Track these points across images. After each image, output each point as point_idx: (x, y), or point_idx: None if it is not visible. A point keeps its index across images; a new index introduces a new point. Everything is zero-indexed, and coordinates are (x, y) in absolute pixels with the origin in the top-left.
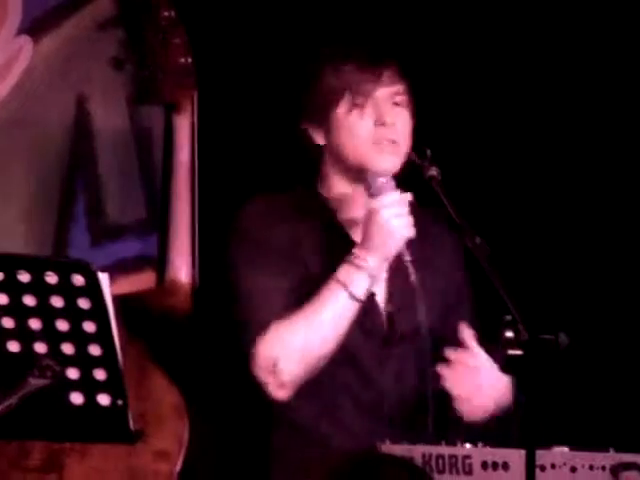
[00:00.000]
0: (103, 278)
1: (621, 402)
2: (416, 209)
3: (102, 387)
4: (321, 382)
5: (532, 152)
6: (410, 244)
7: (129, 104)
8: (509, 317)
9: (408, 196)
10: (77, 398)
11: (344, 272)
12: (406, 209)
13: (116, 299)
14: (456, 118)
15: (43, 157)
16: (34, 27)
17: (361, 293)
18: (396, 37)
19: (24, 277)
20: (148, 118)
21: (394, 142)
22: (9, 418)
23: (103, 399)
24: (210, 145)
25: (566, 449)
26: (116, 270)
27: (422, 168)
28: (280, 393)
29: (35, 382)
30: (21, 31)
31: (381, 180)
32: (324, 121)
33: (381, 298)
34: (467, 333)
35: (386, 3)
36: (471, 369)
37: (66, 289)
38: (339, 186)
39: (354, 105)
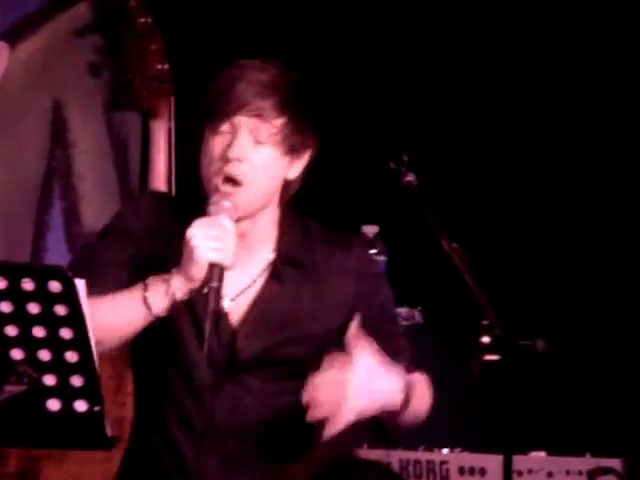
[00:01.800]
0: (80, 285)
1: (598, 407)
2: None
3: (79, 394)
4: (155, 398)
5: (510, 158)
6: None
7: (106, 110)
8: (486, 322)
9: (228, 224)
10: (54, 405)
11: (154, 278)
12: (222, 234)
13: None
14: (433, 124)
15: (20, 163)
16: (11, 33)
17: (154, 304)
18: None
19: (1, 283)
20: (125, 124)
21: (235, 181)
22: None
23: (80, 406)
24: (187, 151)
25: (543, 454)
26: None
27: (399, 174)
28: None
29: (11, 389)
30: None
31: (223, 203)
32: (200, 137)
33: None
34: (354, 331)
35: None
36: (336, 384)
37: (43, 296)
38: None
39: (213, 128)
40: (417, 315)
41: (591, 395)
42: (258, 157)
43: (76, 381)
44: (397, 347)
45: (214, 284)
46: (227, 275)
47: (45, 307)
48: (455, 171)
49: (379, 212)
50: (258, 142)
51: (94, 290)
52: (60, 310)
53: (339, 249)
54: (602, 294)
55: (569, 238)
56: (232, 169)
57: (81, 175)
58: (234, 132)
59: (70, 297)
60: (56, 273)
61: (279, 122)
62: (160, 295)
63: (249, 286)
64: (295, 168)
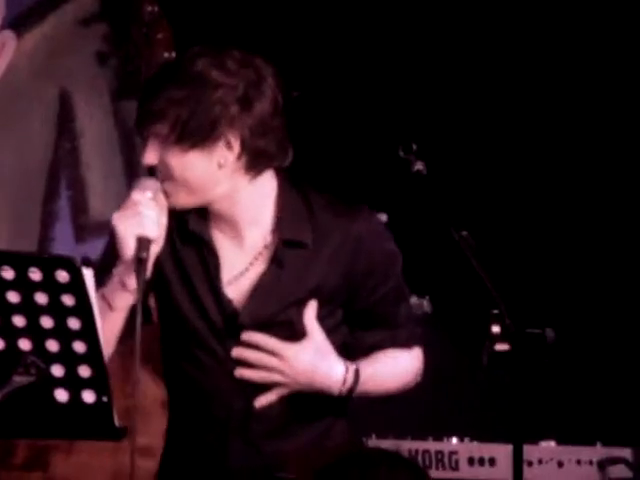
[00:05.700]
0: (87, 274)
1: (607, 397)
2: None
3: (87, 384)
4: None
5: (518, 145)
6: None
7: (113, 99)
8: (496, 311)
9: (140, 196)
10: (62, 395)
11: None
12: (138, 208)
13: None
14: (443, 113)
15: (27, 153)
16: (17, 22)
17: (113, 299)
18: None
19: (8, 274)
20: (132, 113)
21: (165, 181)
22: None
23: (88, 396)
24: None
25: (553, 444)
26: None
27: (408, 162)
28: None
29: (19, 379)
30: (4, 26)
31: (142, 181)
32: None
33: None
34: (309, 315)
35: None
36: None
37: (50, 285)
38: None
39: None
40: (426, 304)
41: (601, 384)
42: (168, 157)
43: (84, 371)
44: (396, 323)
45: (142, 255)
46: (221, 258)
47: (52, 297)
48: (464, 159)
49: (388, 200)
50: (164, 143)
51: None
52: (67, 300)
53: (344, 220)
54: (611, 284)
55: (579, 227)
56: (160, 174)
57: (88, 165)
58: (147, 138)
59: (77, 287)
60: (63, 263)
61: (159, 127)
62: (115, 287)
63: (246, 269)
64: (221, 155)
